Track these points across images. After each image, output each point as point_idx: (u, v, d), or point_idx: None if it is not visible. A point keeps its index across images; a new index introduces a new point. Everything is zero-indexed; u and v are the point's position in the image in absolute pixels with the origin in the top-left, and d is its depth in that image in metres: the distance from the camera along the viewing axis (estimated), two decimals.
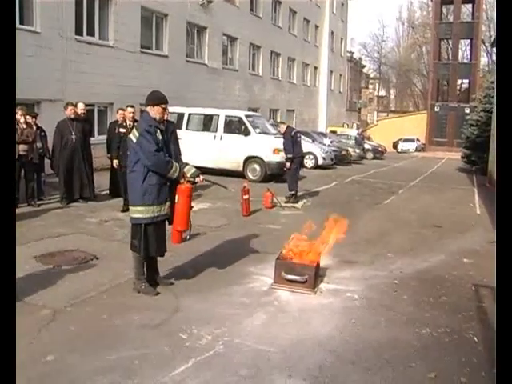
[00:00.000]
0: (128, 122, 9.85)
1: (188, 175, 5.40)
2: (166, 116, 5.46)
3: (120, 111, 10.71)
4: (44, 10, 14.45)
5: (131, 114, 9.90)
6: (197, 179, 5.49)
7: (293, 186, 11.98)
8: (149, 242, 5.24)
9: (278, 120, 29.93)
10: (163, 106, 5.24)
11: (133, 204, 5.22)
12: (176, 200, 5.27)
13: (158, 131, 5.16)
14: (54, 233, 7.85)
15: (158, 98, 5.26)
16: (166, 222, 5.45)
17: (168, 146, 5.33)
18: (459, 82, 53.42)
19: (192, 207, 5.53)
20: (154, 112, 5.20)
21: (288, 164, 11.99)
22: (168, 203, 5.24)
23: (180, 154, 11.91)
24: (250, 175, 15.73)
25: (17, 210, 9.29)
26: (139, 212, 5.15)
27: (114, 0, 17.42)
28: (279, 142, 15.48)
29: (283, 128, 12.33)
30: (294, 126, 27.19)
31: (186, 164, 5.51)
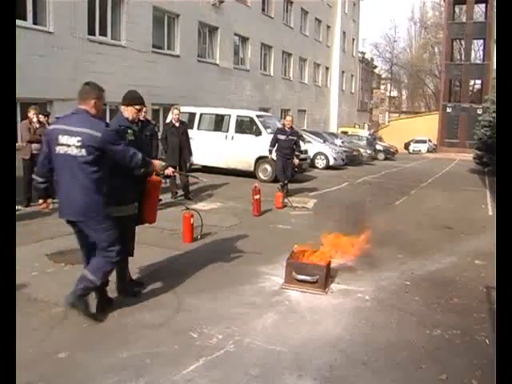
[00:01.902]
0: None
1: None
2: (141, 116, 5.44)
3: None
4: (57, 11, 14.54)
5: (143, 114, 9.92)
6: (166, 171, 5.47)
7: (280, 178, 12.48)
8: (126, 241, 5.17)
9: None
10: (137, 106, 5.16)
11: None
12: (147, 192, 5.24)
13: (129, 131, 5.09)
14: (65, 231, 7.83)
15: (131, 98, 5.19)
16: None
17: (141, 146, 5.13)
18: (471, 82, 53.04)
19: (160, 200, 5.50)
20: (128, 112, 5.14)
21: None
22: (136, 203, 5.18)
23: (191, 155, 11.98)
24: (261, 175, 15.75)
25: (29, 209, 9.39)
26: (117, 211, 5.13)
27: (126, 0, 17.50)
28: None
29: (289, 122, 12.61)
30: (300, 127, 27.14)
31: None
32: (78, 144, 4.28)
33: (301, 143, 17.61)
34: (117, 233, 4.59)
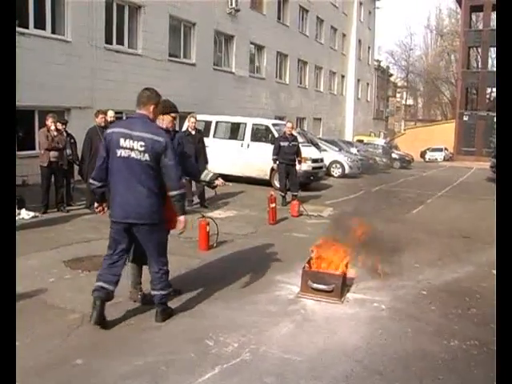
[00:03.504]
0: None
1: (207, 179, 5.48)
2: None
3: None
4: (75, 20, 14.76)
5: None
6: (216, 182, 5.54)
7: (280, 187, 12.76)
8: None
9: (305, 128, 29.96)
10: (173, 114, 5.24)
11: None
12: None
13: None
14: (82, 238, 7.96)
15: (167, 107, 5.23)
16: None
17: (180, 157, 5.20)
18: (488, 90, 52.62)
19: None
20: (163, 121, 5.18)
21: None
22: None
23: (207, 163, 12.01)
24: (276, 183, 15.71)
25: (47, 216, 9.49)
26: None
27: (142, 9, 17.69)
28: (306, 151, 15.48)
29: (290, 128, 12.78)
30: (316, 135, 27.12)
31: (204, 170, 5.58)
32: (142, 149, 4.35)
33: (316, 151, 17.72)
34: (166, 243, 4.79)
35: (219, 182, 5.62)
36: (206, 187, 11.07)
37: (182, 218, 4.71)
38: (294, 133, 13.19)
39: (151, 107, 4.59)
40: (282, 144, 12.40)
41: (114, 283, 4.60)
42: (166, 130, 5.25)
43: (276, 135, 15.88)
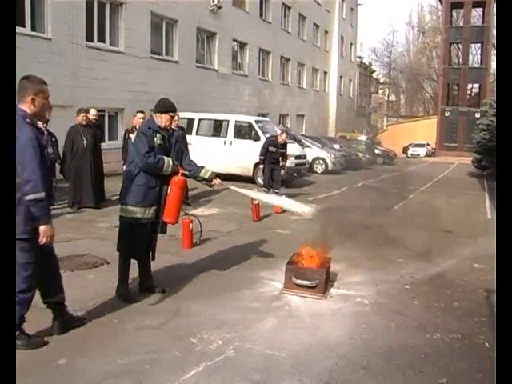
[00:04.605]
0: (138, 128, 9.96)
1: (206, 176, 5.47)
2: (174, 124, 5.50)
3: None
4: (55, 17, 14.60)
5: (141, 120, 9.98)
6: (214, 181, 5.55)
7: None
8: (127, 242, 5.24)
9: (288, 125, 29.99)
10: (171, 114, 5.26)
11: (121, 203, 5.27)
12: (168, 191, 5.21)
13: (158, 136, 5.17)
14: (64, 237, 7.88)
15: (167, 106, 5.28)
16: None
17: (168, 154, 5.25)
18: (469, 86, 53.10)
19: (187, 200, 5.48)
20: (161, 119, 5.22)
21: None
22: (154, 207, 5.16)
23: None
24: (259, 180, 15.72)
25: None
26: (123, 211, 5.18)
27: (124, 6, 17.56)
28: (289, 148, 15.53)
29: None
30: (299, 132, 27.14)
31: (202, 167, 5.55)
32: None
33: (299, 148, 17.77)
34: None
35: (217, 181, 5.61)
36: (188, 183, 11.10)
37: (42, 227, 3.96)
38: (286, 140, 13.13)
39: (29, 98, 3.91)
40: (270, 149, 12.45)
41: None
42: (165, 128, 5.26)
43: (259, 132, 15.91)
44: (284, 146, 12.65)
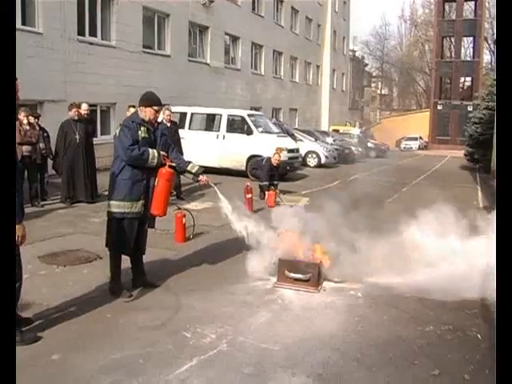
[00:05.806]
0: None
1: (193, 171, 5.46)
2: (165, 118, 5.46)
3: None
4: (46, 11, 14.47)
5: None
6: (200, 177, 5.53)
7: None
8: (116, 238, 5.22)
9: (281, 119, 29.95)
10: (155, 107, 5.23)
11: (108, 198, 5.26)
12: (156, 183, 5.20)
13: (142, 129, 5.16)
14: (57, 233, 7.88)
15: (150, 100, 5.24)
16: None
17: (153, 147, 5.22)
18: (462, 79, 53.29)
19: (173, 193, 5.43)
20: (145, 113, 5.19)
21: None
22: (141, 201, 5.16)
23: (182, 154, 11.92)
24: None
25: None
26: (110, 206, 5.16)
27: (115, 0, 17.45)
28: (282, 141, 15.54)
29: None
30: (292, 126, 27.05)
31: (190, 162, 5.53)
32: None
33: (292, 141, 17.78)
34: None
35: (204, 178, 5.59)
36: (181, 178, 11.08)
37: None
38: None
39: None
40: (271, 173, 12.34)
41: None
42: (149, 122, 5.23)
43: (251, 126, 15.89)
44: (278, 166, 12.56)
